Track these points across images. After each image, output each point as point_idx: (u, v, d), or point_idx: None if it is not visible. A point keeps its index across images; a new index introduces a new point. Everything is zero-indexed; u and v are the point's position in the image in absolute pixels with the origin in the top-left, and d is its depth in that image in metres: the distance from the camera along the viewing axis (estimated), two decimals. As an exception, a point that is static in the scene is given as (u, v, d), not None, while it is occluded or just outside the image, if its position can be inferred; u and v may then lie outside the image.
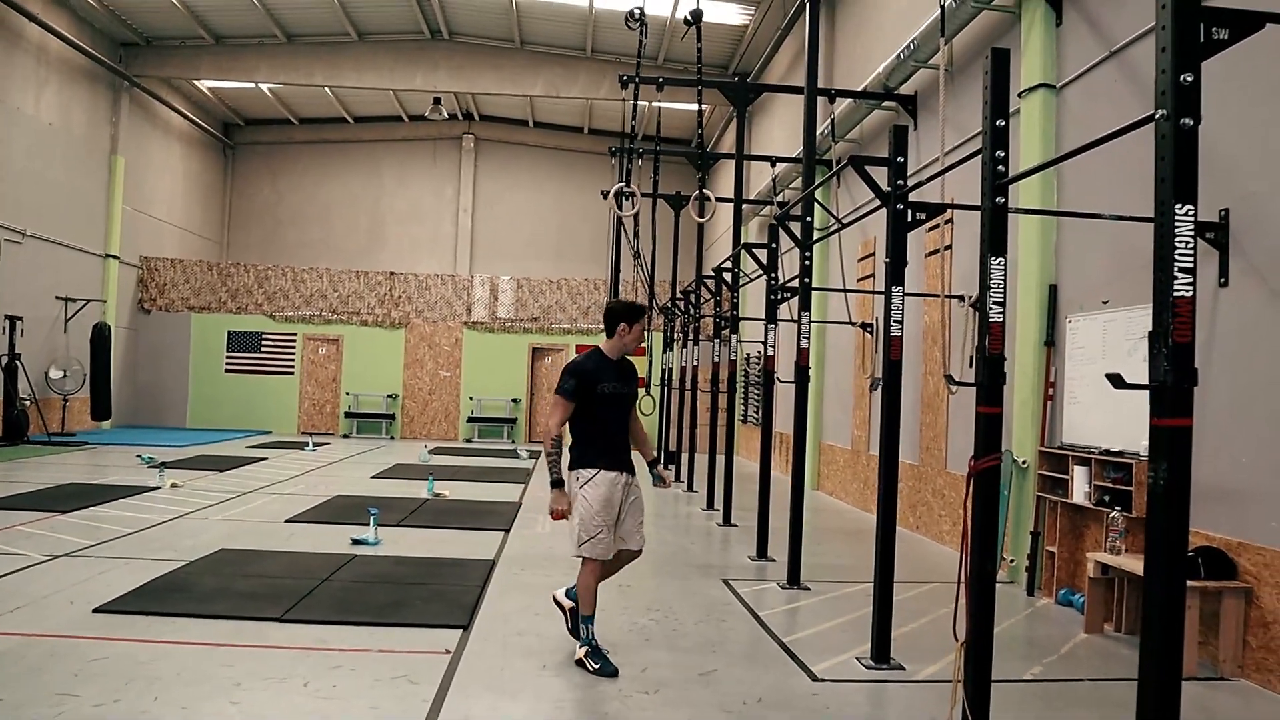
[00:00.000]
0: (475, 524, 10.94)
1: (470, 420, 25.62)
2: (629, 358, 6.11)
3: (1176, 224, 3.14)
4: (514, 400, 25.81)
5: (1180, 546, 3.16)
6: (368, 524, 9.61)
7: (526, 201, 29.31)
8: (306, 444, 21.18)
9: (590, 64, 23.20)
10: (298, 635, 6.08)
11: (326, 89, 25.42)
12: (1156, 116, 3.23)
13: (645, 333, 6.24)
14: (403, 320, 25.82)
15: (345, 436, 24.97)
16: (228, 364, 25.32)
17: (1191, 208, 3.15)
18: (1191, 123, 3.17)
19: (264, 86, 25.60)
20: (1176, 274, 3.13)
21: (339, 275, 26.09)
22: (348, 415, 25.35)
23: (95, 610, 6.46)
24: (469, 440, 25.45)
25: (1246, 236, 6.12)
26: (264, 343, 25.49)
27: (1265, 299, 5.94)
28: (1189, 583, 5.84)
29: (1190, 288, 3.13)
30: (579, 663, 5.63)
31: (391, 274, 26.26)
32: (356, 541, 9.33)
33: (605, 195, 18.73)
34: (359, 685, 5.16)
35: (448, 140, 29.26)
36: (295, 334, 25.57)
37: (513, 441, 25.22)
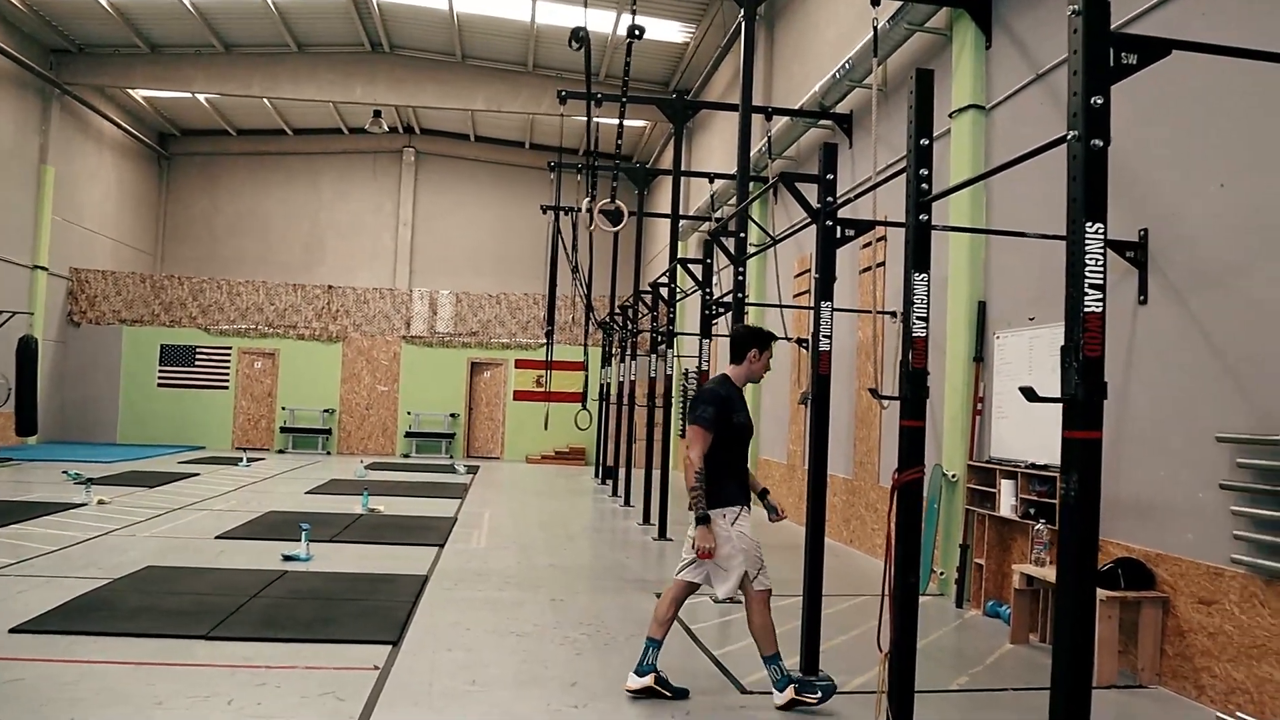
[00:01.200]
0: (409, 539, 10.83)
1: (408, 435, 25.38)
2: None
3: (1087, 241, 3.22)
4: (452, 415, 25.63)
5: (1090, 555, 3.24)
6: (299, 540, 9.48)
7: (467, 215, 29.18)
8: (240, 459, 20.83)
9: (532, 79, 23.22)
10: (224, 653, 5.97)
11: (265, 100, 25.14)
12: (1068, 137, 3.32)
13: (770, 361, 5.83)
14: (340, 334, 25.55)
15: (281, 452, 24.60)
16: (160, 378, 24.84)
17: (1101, 226, 3.24)
18: (1101, 144, 3.25)
19: (201, 97, 25.21)
20: (1087, 290, 3.22)
21: (276, 288, 25.74)
22: (283, 430, 24.98)
23: (12, 630, 6.29)
24: (407, 455, 25.20)
25: (1165, 256, 6.30)
26: (198, 356, 25.04)
27: (1183, 317, 6.11)
28: (1110, 593, 5.99)
29: (1100, 304, 3.22)
30: (791, 705, 5.26)
31: (330, 287, 25.98)
32: (288, 558, 9.19)
33: (545, 210, 18.75)
34: (285, 703, 5.09)
35: (388, 153, 29.05)
36: (230, 348, 25.16)
37: (451, 456, 25.03)
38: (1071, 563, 3.21)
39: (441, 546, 10.49)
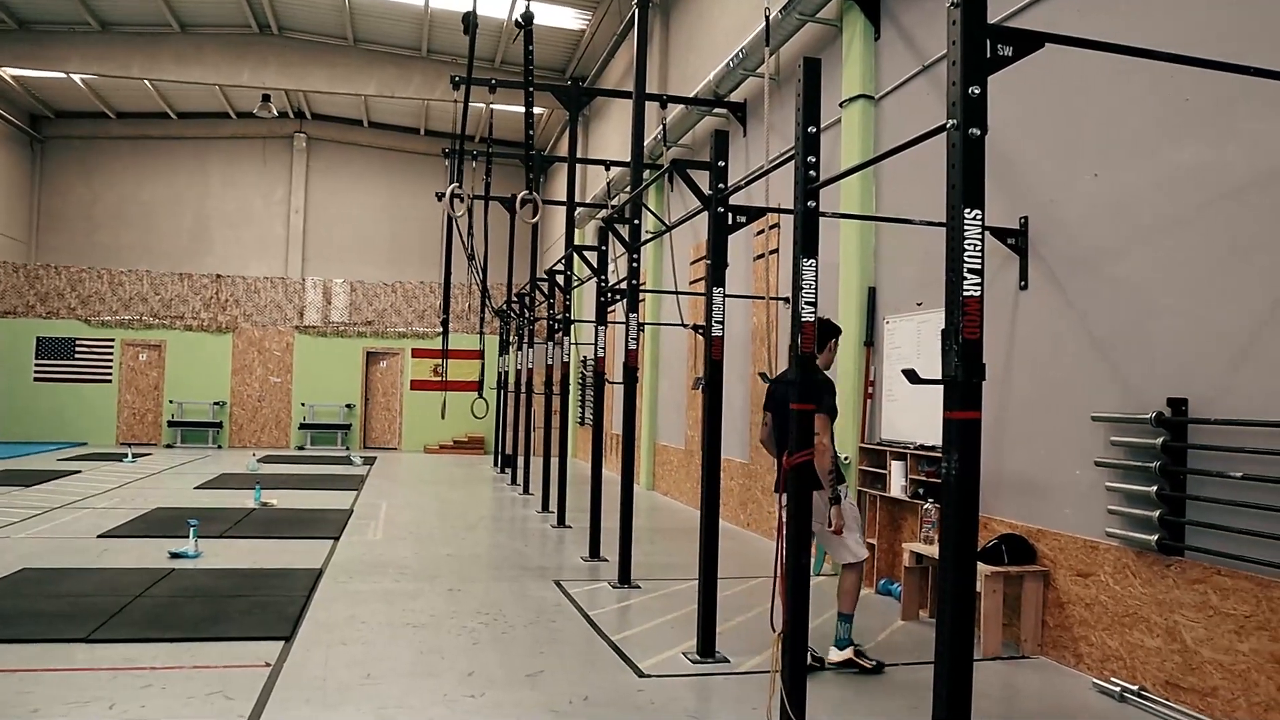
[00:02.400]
0: (303, 533, 10.61)
1: (302, 427, 24.84)
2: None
3: (965, 227, 3.31)
4: (348, 406, 25.17)
5: (970, 532, 3.34)
6: (188, 537, 9.20)
7: (361, 203, 28.50)
8: (125, 455, 20.12)
9: (426, 64, 22.83)
10: (105, 655, 5.77)
11: (146, 82, 24.13)
12: (948, 126, 3.40)
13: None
14: (230, 325, 24.84)
15: (169, 446, 23.84)
16: (37, 372, 23.82)
17: (979, 212, 3.32)
18: (979, 132, 3.34)
19: (76, 77, 24.07)
20: (966, 274, 3.30)
21: (161, 278, 24.90)
22: (171, 424, 24.21)
23: (-128, 637, 5.98)
24: (301, 448, 24.67)
25: (1044, 243, 6.53)
26: (78, 349, 24.08)
27: (1061, 301, 6.34)
28: (994, 569, 6.19)
29: (978, 288, 3.31)
30: (845, 664, 5.82)
31: (218, 276, 25.23)
32: (175, 555, 8.92)
33: (440, 197, 18.49)
34: (170, 704, 4.94)
35: (278, 139, 28.20)
36: (113, 339, 24.26)
37: (347, 448, 24.59)
38: (952, 539, 3.30)
39: (337, 539, 10.31)
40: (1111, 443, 5.73)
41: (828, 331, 5.99)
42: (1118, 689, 5.43)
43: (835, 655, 5.86)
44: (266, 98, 24.52)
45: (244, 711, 4.84)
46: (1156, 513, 5.34)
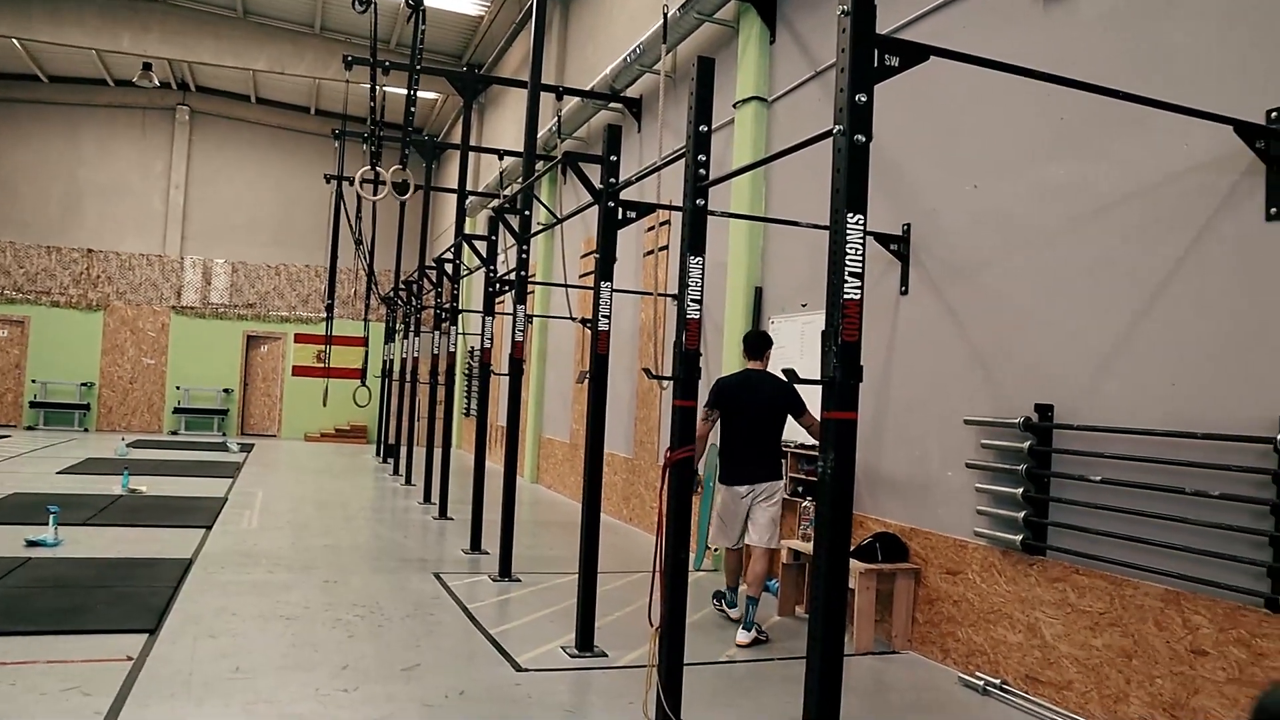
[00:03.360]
0: (174, 521, 10.24)
1: (177, 411, 24.01)
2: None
3: (848, 231, 3.37)
4: (226, 390, 24.42)
5: (844, 530, 3.40)
6: (46, 524, 8.78)
7: (246, 181, 27.49)
8: (-20, 435, 19.15)
9: (319, 41, 22.22)
10: (-51, 648, 5.47)
11: (15, 41, 22.88)
12: (834, 131, 3.46)
13: None
14: (102, 302, 23.83)
15: (30, 428, 22.75)
16: (-115, 345, 22.46)
17: (861, 217, 3.39)
18: (864, 139, 3.40)
19: (-64, 35, 22.73)
20: (847, 278, 3.37)
21: (26, 250, 23.74)
22: (33, 405, 23.10)
23: None
24: (175, 433, 23.85)
25: (925, 250, 6.71)
26: (-69, 323, 22.80)
27: (939, 308, 6.53)
28: (868, 566, 6.34)
29: (858, 291, 3.38)
30: (752, 643, 6.50)
31: (90, 251, 24.17)
32: (32, 543, 8.50)
33: (329, 179, 18.06)
34: (21, 702, 4.69)
35: (159, 110, 26.98)
36: (-30, 313, 23.04)
37: (224, 434, 23.86)
38: (827, 537, 3.36)
39: (209, 528, 9.98)
40: (982, 445, 5.93)
41: (768, 341, 7.05)
42: (981, 683, 5.63)
43: (743, 638, 6.48)
44: (148, 66, 23.42)
45: (102, 708, 4.63)
46: (1022, 514, 5.55)
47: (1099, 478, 5.10)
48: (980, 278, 6.17)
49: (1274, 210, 4.38)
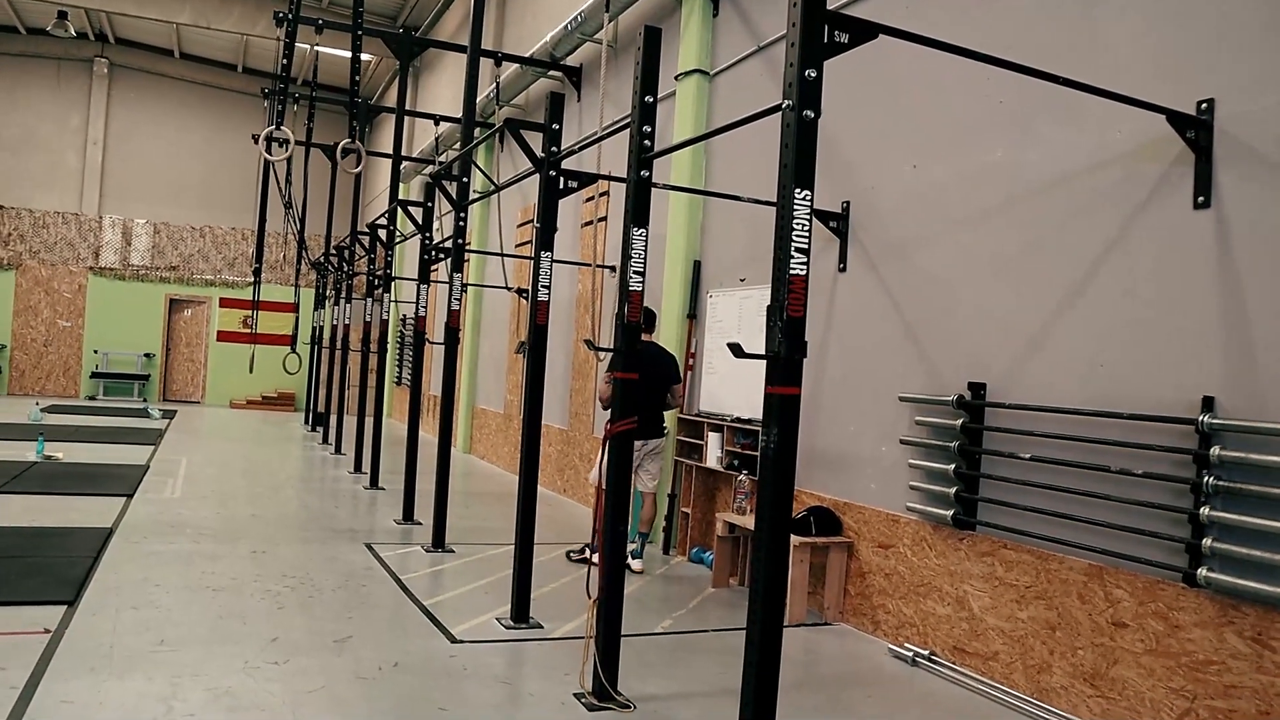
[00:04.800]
0: (92, 489, 9.98)
1: (94, 376, 23.37)
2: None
3: (795, 207, 3.38)
4: (147, 355, 23.83)
5: (786, 504, 3.44)
6: (-41, 488, 8.51)
7: (170, 139, 26.54)
8: (-113, 397, 18.45)
9: (247, -3, 21.58)
10: None
11: (-80, -14, 21.85)
12: (783, 106, 3.46)
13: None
14: (13, 261, 23.03)
15: (-63, 390, 21.99)
16: None
17: (809, 193, 3.40)
18: (813, 115, 3.41)
19: None
20: (793, 253, 3.38)
21: (-68, 205, 22.77)
22: (-59, 366, 22.32)
23: None
24: (93, 398, 23.23)
25: (863, 228, 6.77)
26: None
27: (874, 284, 6.60)
28: (802, 539, 6.42)
29: (804, 266, 3.39)
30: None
31: (0, 208, 23.26)
32: (-57, 508, 8.24)
33: (257, 140, 17.63)
34: (-68, 671, 4.55)
35: (75, 62, 25.80)
36: (-127, 271, 22.11)
37: (145, 400, 23.30)
38: (768, 511, 3.39)
39: (130, 497, 9.75)
40: (916, 422, 6.02)
41: (654, 318, 8.03)
42: (910, 654, 5.75)
43: (633, 565, 7.54)
44: (63, 14, 22.39)
45: (17, 682, 4.49)
46: (953, 489, 5.65)
47: (1028, 455, 5.21)
48: (917, 257, 6.25)
49: (1201, 199, 4.49)
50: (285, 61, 11.33)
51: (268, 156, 10.72)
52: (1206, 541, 4.26)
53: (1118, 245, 4.90)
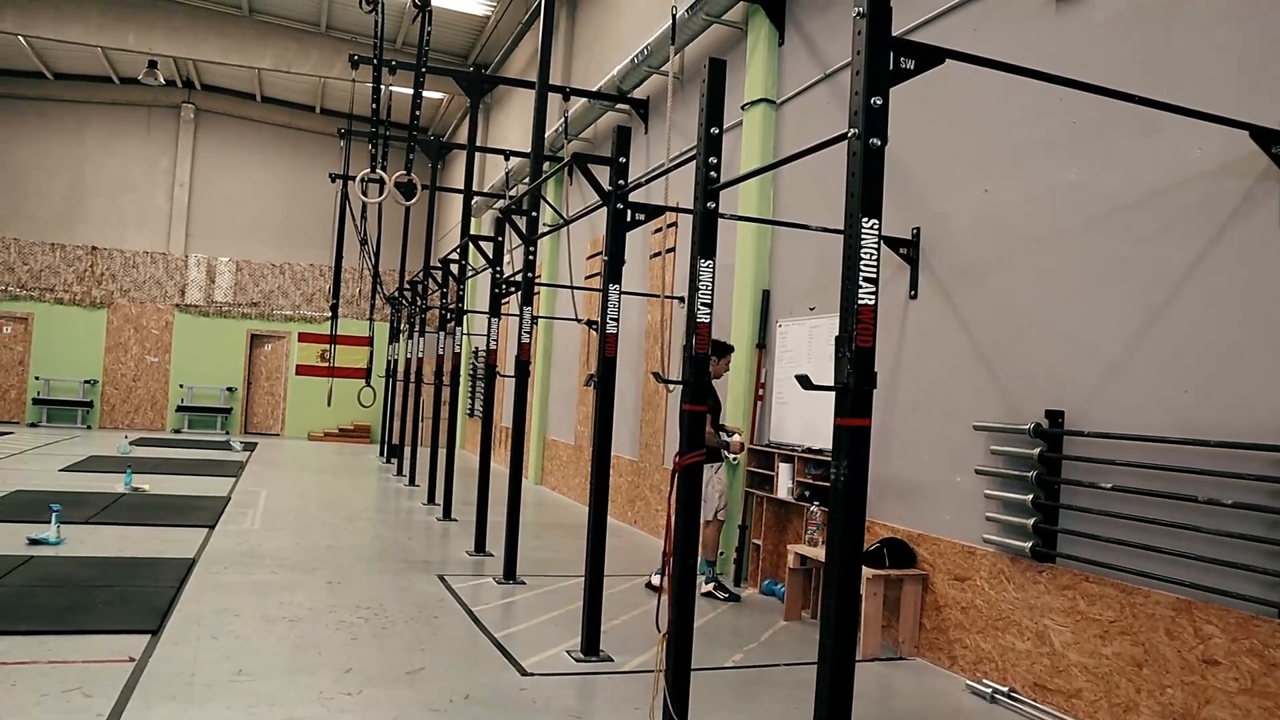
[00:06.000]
0: (176, 520, 10.23)
1: (180, 409, 24.00)
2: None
3: (863, 236, 3.34)
4: (229, 389, 24.41)
5: (857, 537, 3.37)
6: (49, 521, 8.75)
7: (251, 179, 27.40)
8: (-16, 432, 19.14)
9: (324, 40, 22.18)
10: (-49, 646, 5.44)
11: (20, 38, 22.86)
12: (849, 135, 3.42)
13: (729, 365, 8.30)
14: (105, 300, 23.81)
15: (33, 425, 22.75)
16: (-111, 341, 22.44)
17: (876, 221, 3.35)
18: (879, 143, 3.37)
19: (-57, 32, 22.69)
20: (861, 283, 3.33)
21: (30, 247, 23.71)
22: (36, 402, 23.09)
23: None
24: (178, 431, 23.84)
25: (934, 254, 6.67)
26: (-64, 319, 22.78)
27: (948, 312, 6.49)
28: (875, 571, 6.30)
29: (872, 296, 3.34)
30: (705, 595, 7.71)
31: (94, 249, 24.14)
32: (34, 541, 8.48)
33: (334, 178, 18.04)
34: (20, 702, 4.66)
35: (164, 108, 26.89)
36: (-25, 310, 23.01)
37: (227, 432, 23.84)
38: (839, 544, 3.33)
39: (212, 528, 9.96)
40: (991, 451, 5.89)
41: (722, 349, 7.93)
42: (989, 690, 5.59)
43: (702, 586, 7.60)
44: (153, 64, 23.35)
45: (103, 710, 4.61)
46: (1031, 520, 5.51)
47: (1109, 485, 5.06)
48: (990, 282, 6.13)
49: (1289, 217, 4.34)
50: (374, 105, 11.58)
51: (364, 199, 10.96)
52: (1302, 575, 4.08)
53: (1201, 265, 4.76)
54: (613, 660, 5.93)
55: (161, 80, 24.08)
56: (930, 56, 3.49)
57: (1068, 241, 5.55)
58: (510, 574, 8.17)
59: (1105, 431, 5.15)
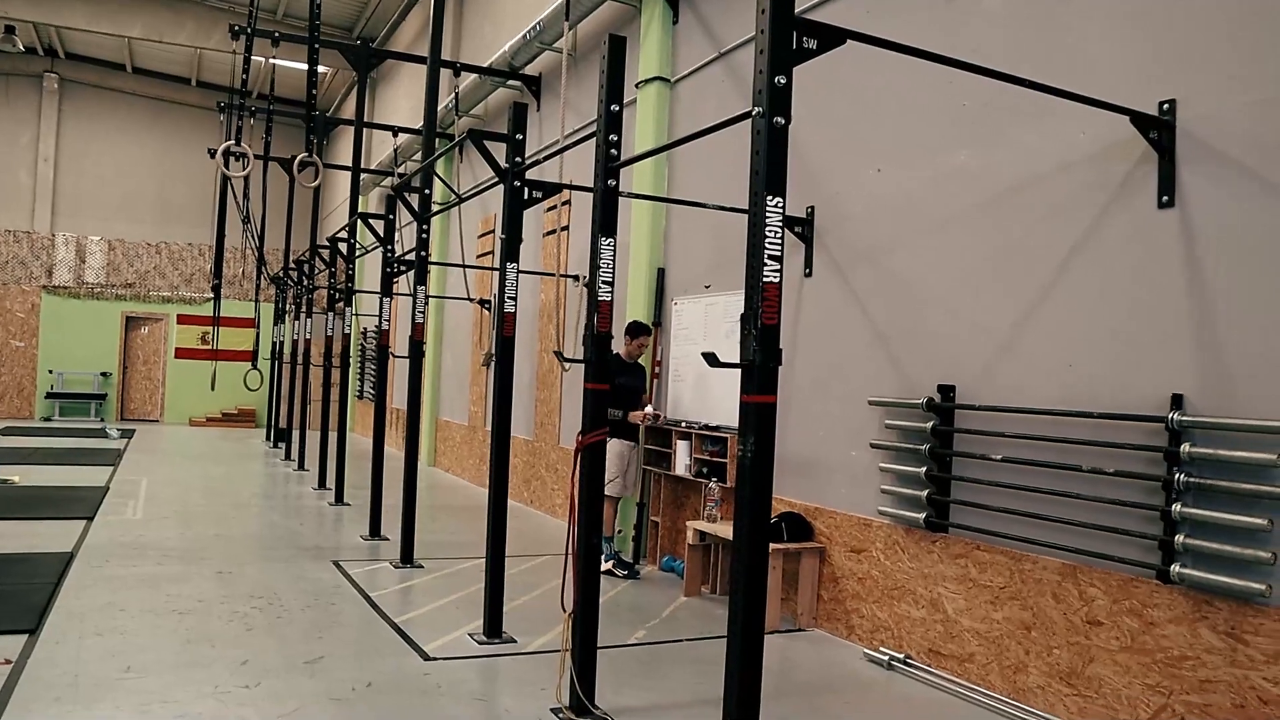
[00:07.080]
0: (51, 513, 9.77)
1: (50, 396, 22.92)
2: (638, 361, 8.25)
3: (767, 214, 3.36)
4: (104, 374, 23.41)
5: (764, 513, 3.42)
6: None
7: (123, 154, 26.06)
8: None
9: (200, 9, 21.26)
10: None
11: None
12: (753, 114, 3.44)
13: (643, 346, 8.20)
14: (-37, 281, 22.53)
15: (-113, 414, 21.48)
16: None
17: (781, 200, 3.39)
18: (783, 121, 3.40)
19: None
20: (766, 261, 3.36)
21: (-121, 226, 22.25)
22: (-110, 389, 21.80)
23: None
24: (48, 419, 22.77)
25: (829, 233, 6.78)
26: None
27: (843, 290, 6.61)
28: (774, 545, 6.39)
29: (778, 274, 3.37)
30: (605, 573, 7.38)
31: (-52, 227, 22.78)
32: (-105, 536, 8.02)
33: (213, 154, 17.38)
34: (-111, 706, 4.41)
35: (25, 77, 25.31)
36: None
37: (102, 419, 22.89)
38: (748, 520, 3.37)
39: (90, 519, 9.55)
40: (886, 426, 6.03)
41: (627, 329, 8.00)
42: (886, 658, 5.74)
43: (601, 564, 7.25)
44: (11, 29, 21.96)
45: (-19, 712, 4.39)
46: (925, 492, 5.66)
47: (999, 456, 5.23)
48: (884, 261, 6.26)
49: (1165, 199, 4.53)
50: (244, 76, 11.16)
51: (226, 172, 10.57)
52: (1178, 538, 4.28)
53: (1085, 246, 4.94)
54: (516, 641, 5.90)
55: (20, 47, 22.67)
56: (832, 37, 3.53)
57: (958, 222, 5.70)
58: (408, 558, 8.05)
59: (995, 405, 5.32)
